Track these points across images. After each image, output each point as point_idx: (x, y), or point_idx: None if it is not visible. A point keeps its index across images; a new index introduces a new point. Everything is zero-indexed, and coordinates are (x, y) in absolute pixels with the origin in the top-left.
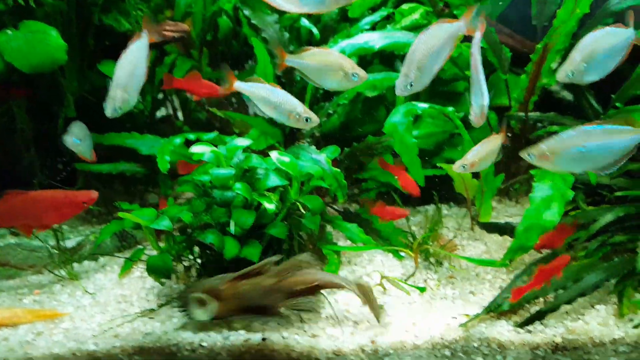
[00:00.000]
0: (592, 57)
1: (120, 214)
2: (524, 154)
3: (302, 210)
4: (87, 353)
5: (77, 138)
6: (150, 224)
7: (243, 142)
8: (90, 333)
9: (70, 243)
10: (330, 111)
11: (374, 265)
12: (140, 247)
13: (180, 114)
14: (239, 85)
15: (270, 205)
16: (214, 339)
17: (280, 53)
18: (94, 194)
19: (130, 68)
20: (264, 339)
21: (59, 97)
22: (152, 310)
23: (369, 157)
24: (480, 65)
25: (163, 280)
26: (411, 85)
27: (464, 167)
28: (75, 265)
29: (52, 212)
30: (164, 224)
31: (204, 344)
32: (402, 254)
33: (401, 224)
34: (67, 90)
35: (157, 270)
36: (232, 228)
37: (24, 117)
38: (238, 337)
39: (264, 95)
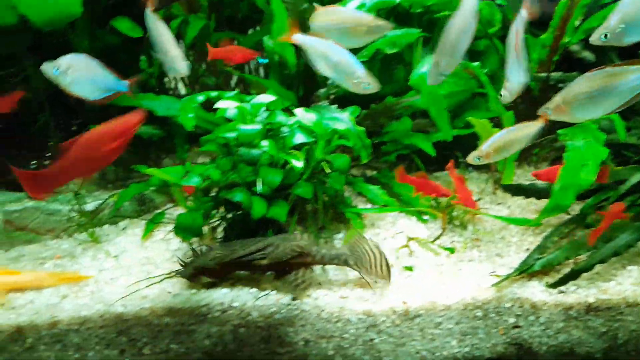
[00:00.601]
0: (632, 19)
1: (148, 170)
2: (541, 111)
3: (327, 170)
4: (115, 315)
5: (60, 69)
6: (179, 181)
7: (267, 98)
8: (117, 295)
9: (88, 207)
10: None
11: (397, 227)
12: (159, 211)
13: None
14: (297, 38)
15: (298, 163)
16: (244, 299)
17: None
18: (142, 112)
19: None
20: (294, 299)
21: None
22: (176, 272)
23: (388, 118)
24: (522, 42)
25: (192, 240)
26: (443, 74)
27: (478, 159)
28: (95, 229)
29: (113, 144)
30: (194, 180)
31: (235, 304)
32: (426, 217)
33: None
34: (78, 49)
35: (187, 229)
36: (259, 187)
37: (37, 76)
38: (269, 297)
39: (324, 51)
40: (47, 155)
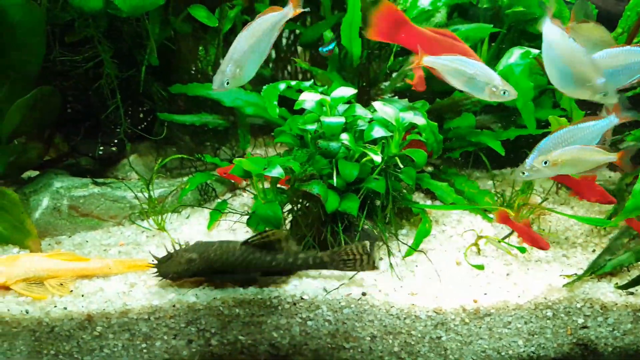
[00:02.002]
0: None
1: (237, 161)
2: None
3: (400, 165)
4: (187, 305)
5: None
6: (261, 171)
7: (348, 91)
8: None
9: (152, 195)
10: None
11: (463, 225)
12: (220, 200)
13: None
14: (428, 60)
15: (377, 158)
16: (315, 292)
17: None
18: None
19: (252, 42)
20: (364, 294)
21: (141, 44)
22: None
23: (454, 114)
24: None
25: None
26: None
27: (545, 162)
28: (159, 217)
29: None
30: (277, 171)
31: (305, 296)
32: (491, 215)
33: (483, 186)
34: (151, 37)
35: (267, 220)
36: (334, 180)
37: (110, 62)
38: (339, 291)
39: (457, 67)
40: (114, 142)
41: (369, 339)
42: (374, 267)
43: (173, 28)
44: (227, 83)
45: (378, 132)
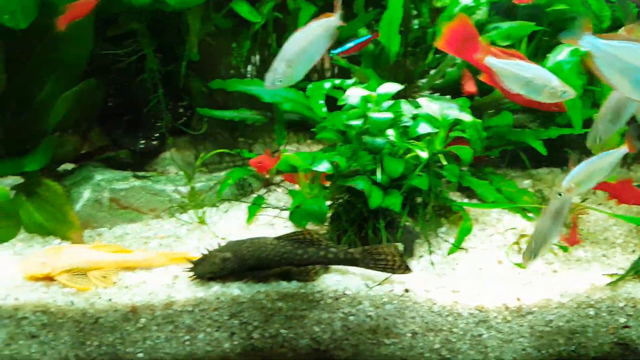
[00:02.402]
0: None
1: (285, 157)
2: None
3: (444, 162)
4: (231, 297)
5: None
6: (309, 166)
7: (393, 87)
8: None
9: (189, 189)
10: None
11: (503, 224)
12: (255, 195)
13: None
14: (489, 61)
15: (423, 154)
16: (357, 287)
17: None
18: None
19: (304, 44)
20: (406, 290)
21: (182, 39)
22: None
23: (493, 112)
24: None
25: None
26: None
27: (559, 194)
28: (198, 211)
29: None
30: (324, 166)
31: (348, 292)
32: (530, 214)
33: (519, 186)
34: (191, 32)
35: (312, 214)
36: (378, 176)
37: (152, 56)
38: (381, 287)
39: (515, 72)
40: (155, 136)
41: (410, 335)
42: (405, 271)
43: (214, 23)
44: (280, 81)
45: (424, 128)
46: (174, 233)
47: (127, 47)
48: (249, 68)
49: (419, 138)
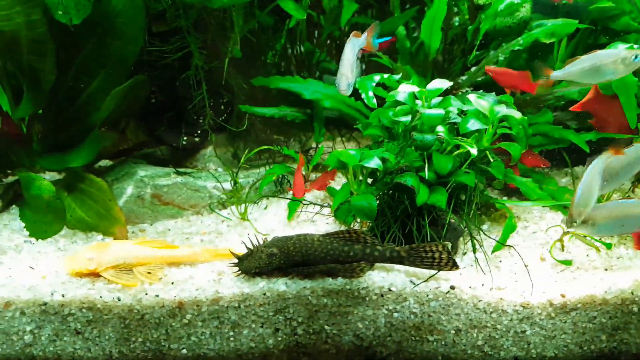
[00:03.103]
0: None
1: (333, 152)
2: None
3: (491, 158)
4: (277, 293)
5: None
6: (358, 162)
7: (443, 83)
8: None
9: (228, 185)
10: (501, 58)
11: (546, 221)
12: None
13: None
14: (556, 75)
15: (473, 150)
16: (403, 284)
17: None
18: None
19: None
20: (452, 287)
21: (225, 35)
22: None
23: (534, 110)
24: None
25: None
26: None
27: (574, 223)
28: (234, 207)
29: None
30: (375, 162)
31: (393, 288)
32: None
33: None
34: (236, 29)
35: (361, 211)
36: (426, 173)
37: (198, 53)
38: (427, 284)
39: (583, 67)
40: (198, 132)
41: (454, 332)
42: (453, 267)
43: (258, 20)
44: (350, 85)
45: (474, 124)
46: (215, 229)
47: (173, 44)
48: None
49: (466, 134)
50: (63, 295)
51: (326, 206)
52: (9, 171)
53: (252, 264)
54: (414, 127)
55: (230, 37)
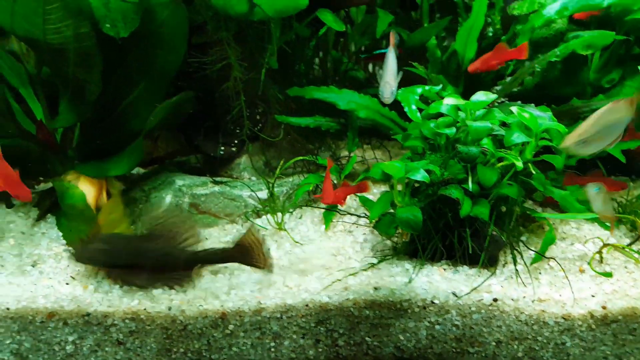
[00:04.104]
0: None
1: (378, 164)
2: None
3: (533, 171)
4: (320, 305)
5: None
6: (403, 175)
7: (487, 96)
8: (314, 285)
9: (262, 194)
10: (538, 69)
11: (584, 233)
12: None
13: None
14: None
15: (519, 163)
16: (446, 296)
17: None
18: None
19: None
20: (495, 300)
21: (262, 46)
22: (372, 264)
23: (570, 121)
24: None
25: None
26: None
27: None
28: (268, 216)
29: None
30: (421, 175)
31: (436, 301)
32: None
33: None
34: (273, 40)
35: (407, 223)
36: (470, 185)
37: (237, 65)
38: (469, 296)
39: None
40: (235, 142)
41: (495, 344)
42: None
43: (295, 32)
44: (393, 93)
45: (518, 137)
46: None
47: (212, 56)
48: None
49: (509, 147)
50: (109, 306)
51: (363, 216)
52: (41, 178)
53: (83, 255)
54: (456, 139)
55: (267, 49)
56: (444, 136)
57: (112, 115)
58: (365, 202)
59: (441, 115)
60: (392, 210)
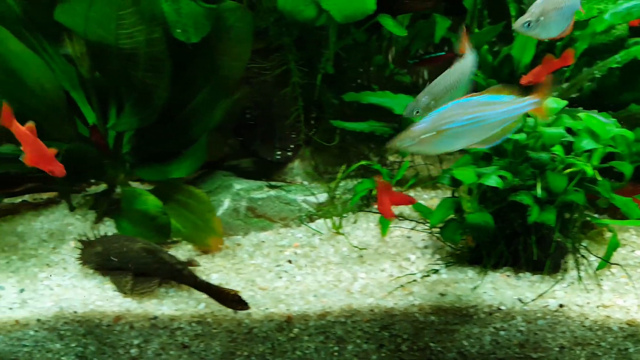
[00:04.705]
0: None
1: (454, 171)
2: (400, 141)
3: (599, 177)
4: (385, 310)
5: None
6: (476, 180)
7: (559, 102)
8: (375, 289)
9: (316, 199)
10: (598, 75)
11: None
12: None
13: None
14: None
15: (589, 170)
16: (512, 302)
17: None
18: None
19: (452, 81)
20: (561, 306)
21: (319, 52)
22: (435, 270)
23: (629, 127)
24: None
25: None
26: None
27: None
28: (320, 221)
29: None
30: (494, 180)
31: (502, 307)
32: None
33: None
34: (331, 45)
35: (478, 229)
36: (538, 191)
37: (296, 70)
38: (535, 302)
39: None
40: (290, 147)
41: (557, 349)
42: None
43: (353, 37)
44: (417, 112)
45: (588, 144)
46: (308, 242)
47: (272, 61)
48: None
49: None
50: (177, 310)
51: (421, 223)
52: (92, 181)
53: (84, 257)
54: (524, 144)
55: (323, 54)
56: (512, 142)
57: (174, 120)
58: (419, 208)
59: None
60: (453, 217)
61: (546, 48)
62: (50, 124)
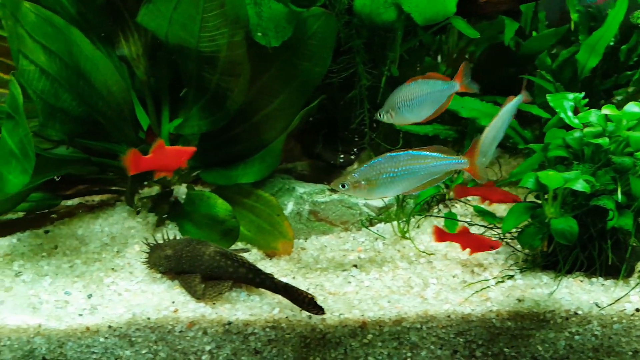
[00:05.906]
0: None
1: (531, 174)
2: (335, 185)
3: None
4: (462, 316)
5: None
6: (562, 184)
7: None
8: (454, 296)
9: (377, 203)
10: None
11: None
12: (436, 210)
13: None
14: None
15: None
16: (589, 307)
17: None
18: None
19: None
20: (637, 310)
21: (384, 54)
22: (510, 276)
23: None
24: None
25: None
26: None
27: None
28: (381, 225)
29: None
30: (581, 185)
31: (579, 312)
32: None
33: None
34: (396, 48)
35: (562, 234)
36: (619, 196)
37: (364, 73)
38: (612, 307)
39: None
40: (354, 150)
41: (631, 353)
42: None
43: (420, 39)
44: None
45: None
46: (371, 246)
47: (339, 64)
48: None
49: None
50: (251, 314)
51: (491, 228)
52: (146, 183)
53: (152, 260)
54: (606, 149)
55: (388, 56)
56: (592, 146)
57: (246, 124)
58: (480, 212)
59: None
60: (527, 222)
61: (610, 52)
62: (114, 126)
